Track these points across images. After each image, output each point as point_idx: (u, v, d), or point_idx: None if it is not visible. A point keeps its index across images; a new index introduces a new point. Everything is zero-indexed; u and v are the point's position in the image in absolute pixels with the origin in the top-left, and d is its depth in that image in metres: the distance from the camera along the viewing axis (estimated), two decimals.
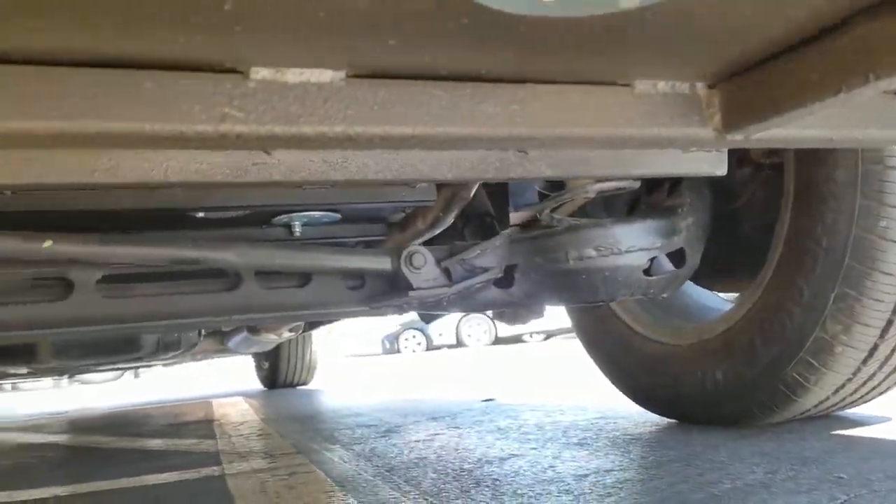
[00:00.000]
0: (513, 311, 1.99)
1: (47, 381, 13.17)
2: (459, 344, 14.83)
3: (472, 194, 1.81)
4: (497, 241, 1.73)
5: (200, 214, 1.70)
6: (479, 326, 14.82)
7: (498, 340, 14.73)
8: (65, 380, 12.28)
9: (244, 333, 4.20)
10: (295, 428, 2.80)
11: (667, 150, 1.04)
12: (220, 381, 8.55)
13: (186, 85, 0.59)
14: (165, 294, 1.60)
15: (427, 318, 3.29)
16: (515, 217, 2.77)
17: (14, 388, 13.83)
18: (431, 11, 0.52)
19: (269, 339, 4.39)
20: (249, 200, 1.64)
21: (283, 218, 1.80)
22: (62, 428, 3.84)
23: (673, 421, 2.06)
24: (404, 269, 1.61)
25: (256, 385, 6.13)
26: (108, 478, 1.97)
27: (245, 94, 0.60)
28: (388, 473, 1.66)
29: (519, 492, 1.37)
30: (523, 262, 1.73)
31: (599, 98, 0.72)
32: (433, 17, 0.53)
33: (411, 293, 1.61)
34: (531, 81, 0.70)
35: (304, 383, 5.80)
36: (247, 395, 5.23)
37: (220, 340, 4.71)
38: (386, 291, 1.73)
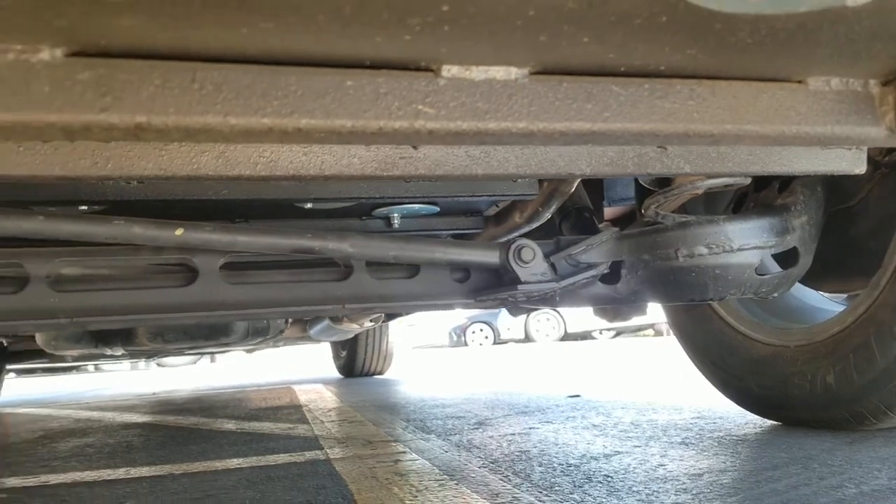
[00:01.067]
0: (615, 307, 1.98)
1: (125, 363, 13.73)
2: (527, 339, 14.79)
3: (573, 189, 1.81)
4: (604, 236, 1.72)
5: (308, 205, 1.74)
6: (547, 322, 14.74)
7: (567, 336, 14.63)
8: (142, 362, 12.77)
9: (326, 322, 4.29)
10: (385, 416, 2.85)
11: (811, 147, 1.02)
12: (288, 369, 8.74)
13: (384, 84, 0.61)
14: (284, 282, 1.64)
15: (515, 312, 3.29)
16: (609, 212, 2.75)
17: (97, 369, 14.46)
18: (639, 11, 0.53)
19: (351, 329, 4.46)
20: (357, 192, 1.67)
21: (383, 210, 1.83)
22: (156, 408, 4.00)
23: (775, 423, 2.02)
24: (512, 263, 1.62)
25: (324, 373, 6.25)
26: (219, 458, 2.05)
27: (436, 91, 0.62)
28: (493, 465, 1.68)
29: (634, 489, 1.36)
30: (630, 259, 1.72)
31: (773, 95, 0.72)
32: (637, 17, 0.54)
33: (519, 287, 1.62)
34: (706, 77, 0.70)
35: (380, 373, 5.89)
36: (325, 383, 5.34)
37: (302, 328, 4.81)
38: (491, 285, 1.74)
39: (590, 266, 1.70)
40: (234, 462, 1.97)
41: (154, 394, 5.56)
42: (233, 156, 0.91)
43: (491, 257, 1.64)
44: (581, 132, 0.66)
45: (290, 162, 0.92)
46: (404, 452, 1.94)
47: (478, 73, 0.63)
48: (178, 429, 2.92)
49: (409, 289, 1.73)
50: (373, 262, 1.70)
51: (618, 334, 14.84)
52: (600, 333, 14.78)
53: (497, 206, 1.99)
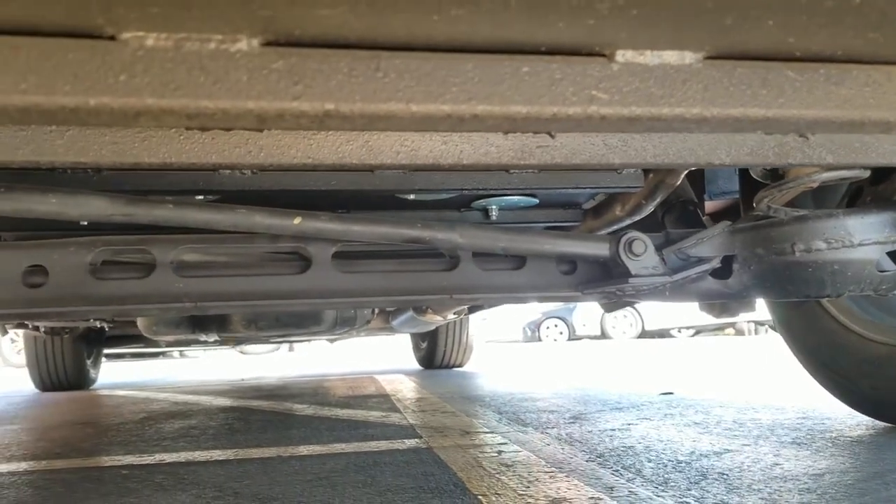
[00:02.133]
0: (723, 302, 1.94)
1: (208, 350, 14.18)
2: (603, 335, 14.62)
3: (679, 181, 1.78)
4: (716, 230, 1.69)
5: (411, 196, 1.76)
6: (624, 319, 14.53)
7: (644, 333, 14.39)
8: (223, 349, 13.16)
9: (410, 313, 4.32)
10: (475, 408, 2.86)
11: None
12: (363, 359, 8.87)
13: (558, 69, 0.61)
14: (393, 271, 1.66)
15: (609, 308, 3.25)
16: (709, 206, 2.68)
17: (181, 355, 14.99)
18: None
19: (434, 321, 4.49)
20: (460, 183, 1.68)
21: (482, 202, 1.84)
22: (248, 394, 4.12)
23: (888, 425, 1.95)
24: (623, 256, 1.60)
25: (401, 363, 6.31)
26: (320, 442, 2.10)
27: (610, 76, 0.62)
28: (600, 459, 1.67)
29: (753, 486, 1.34)
30: (743, 253, 1.68)
31: None
32: None
33: (630, 280, 1.60)
34: (883, 63, 0.67)
35: (460, 365, 5.91)
36: (406, 373, 5.40)
37: (385, 319, 4.87)
38: (598, 277, 1.72)
39: (700, 260, 1.67)
40: (338, 447, 2.01)
41: (242, 380, 5.72)
42: (376, 145, 0.93)
43: (600, 249, 1.62)
44: (755, 119, 0.65)
45: (430, 151, 0.94)
46: (505, 444, 1.95)
47: (651, 57, 0.62)
48: (274, 413, 3.00)
49: (515, 280, 1.73)
50: (478, 253, 1.71)
51: (697, 333, 14.51)
52: (679, 332, 14.48)
53: (594, 198, 1.97)
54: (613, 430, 2.12)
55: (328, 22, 0.55)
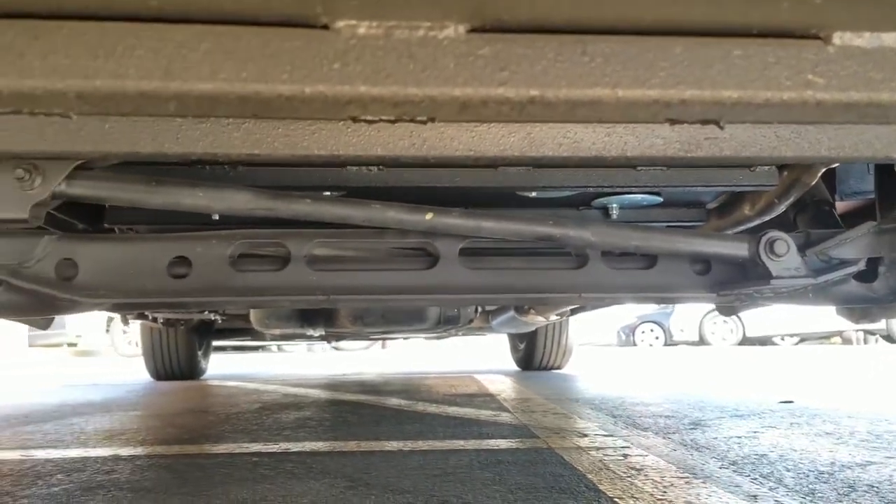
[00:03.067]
0: (865, 307, 1.84)
1: (302, 345, 14.53)
2: (702, 342, 14.17)
3: (815, 180, 1.69)
4: (861, 230, 1.60)
5: (533, 194, 1.74)
6: (724, 324, 14.04)
7: (745, 341, 13.88)
8: (317, 344, 13.46)
9: (511, 314, 4.29)
10: (585, 410, 2.82)
11: None
12: (454, 358, 8.89)
13: (772, 53, 0.58)
14: (520, 268, 1.65)
15: (728, 312, 3.13)
16: (840, 207, 2.55)
17: (279, 350, 15.44)
18: None
19: (535, 322, 4.44)
20: (584, 181, 1.65)
21: (603, 200, 1.80)
22: (353, 388, 4.19)
23: None
24: (764, 257, 1.53)
25: (493, 364, 6.28)
26: (438, 438, 2.11)
27: (826, 60, 0.59)
28: (734, 466, 1.61)
29: None
30: (891, 255, 1.59)
31: None
32: None
33: (772, 282, 1.53)
34: None
35: (559, 367, 5.84)
36: (504, 374, 5.38)
37: (485, 319, 4.86)
38: (733, 279, 1.66)
39: (843, 262, 1.59)
40: (457, 444, 2.01)
41: (343, 375, 5.83)
42: (538, 136, 0.91)
43: (739, 249, 1.56)
44: None
45: (593, 143, 0.92)
46: (628, 447, 1.91)
47: (869, 39, 0.59)
48: (383, 408, 3.04)
49: (645, 280, 1.68)
50: (606, 252, 1.67)
51: (801, 340, 13.91)
52: (782, 339, 13.91)
53: (718, 197, 1.90)
54: (739, 437, 2.04)
55: (535, 6, 0.54)
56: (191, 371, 5.40)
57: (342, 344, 14.08)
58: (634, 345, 15.09)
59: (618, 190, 1.71)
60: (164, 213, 1.74)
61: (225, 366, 8.11)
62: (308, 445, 2.04)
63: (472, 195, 1.74)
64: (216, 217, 1.66)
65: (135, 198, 1.43)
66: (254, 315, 3.94)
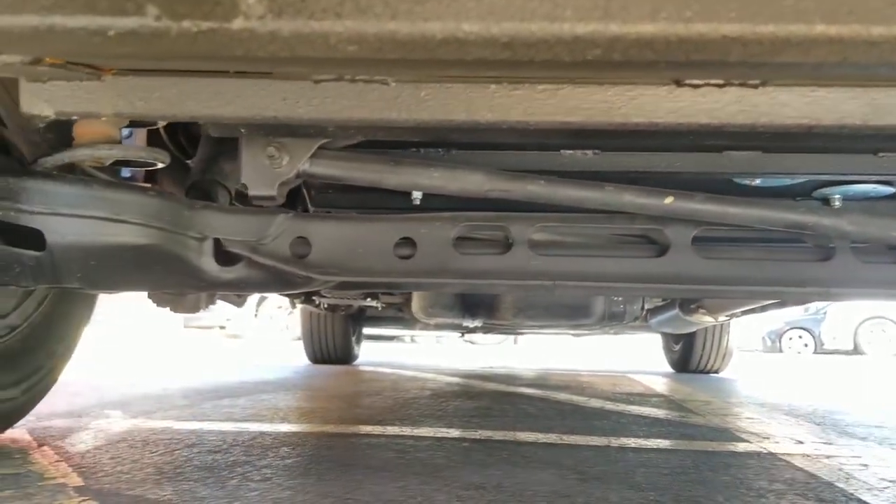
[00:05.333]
0: None
1: (430, 337, 14.66)
2: (856, 350, 13.23)
3: None
4: None
5: (756, 182, 1.63)
6: (883, 333, 13.05)
7: None
8: (445, 336, 13.52)
9: (675, 312, 4.11)
10: (777, 415, 2.66)
11: None
12: (588, 357, 8.68)
13: None
14: (762, 259, 1.54)
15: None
16: None
17: (412, 340, 15.68)
18: None
19: (702, 322, 4.24)
20: (816, 167, 1.52)
21: (825, 190, 1.65)
22: (512, 382, 4.15)
23: None
24: None
25: (639, 364, 6.07)
26: (634, 436, 2.03)
27: None
28: None
29: None
30: None
31: None
32: None
33: None
34: None
35: (717, 371, 5.58)
36: (660, 375, 5.19)
37: (645, 316, 4.69)
38: None
39: None
40: (662, 443, 1.93)
41: (491, 367, 5.82)
42: (884, 103, 0.82)
43: None
44: None
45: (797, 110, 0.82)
46: (859, 457, 1.76)
47: None
48: (557, 402, 2.98)
49: None
50: (855, 244, 1.54)
51: None
52: None
53: None
54: None
55: None
56: (346, 356, 5.54)
57: (475, 337, 14.12)
58: (780, 351, 14.30)
59: (850, 178, 1.57)
60: (369, 197, 1.75)
61: (367, 353, 8.30)
62: (509, 435, 2.00)
63: (686, 182, 1.65)
64: (417, 202, 1.65)
65: (373, 177, 1.44)
66: (416, 302, 3.96)
